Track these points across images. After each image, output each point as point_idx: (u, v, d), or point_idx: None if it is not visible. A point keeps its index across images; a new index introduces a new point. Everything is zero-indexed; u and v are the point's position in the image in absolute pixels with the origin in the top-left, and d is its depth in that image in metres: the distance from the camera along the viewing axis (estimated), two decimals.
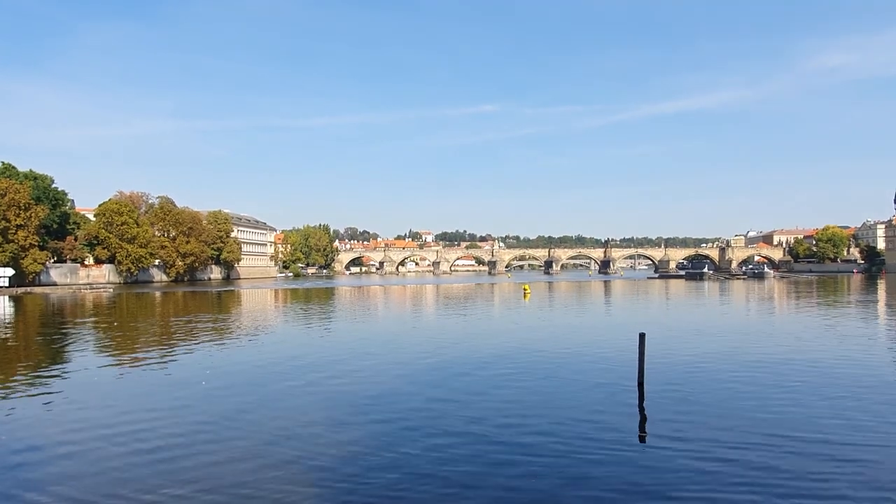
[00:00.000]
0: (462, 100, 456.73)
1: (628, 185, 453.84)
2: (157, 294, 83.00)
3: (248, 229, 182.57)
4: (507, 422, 14.55)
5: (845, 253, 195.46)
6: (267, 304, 64.96)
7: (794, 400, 16.45)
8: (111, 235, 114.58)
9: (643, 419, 15.05)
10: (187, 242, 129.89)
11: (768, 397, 16.88)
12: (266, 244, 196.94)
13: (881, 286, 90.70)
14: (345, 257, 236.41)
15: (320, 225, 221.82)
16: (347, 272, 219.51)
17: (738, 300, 64.01)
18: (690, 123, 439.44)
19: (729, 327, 36.80)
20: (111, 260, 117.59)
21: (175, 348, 28.03)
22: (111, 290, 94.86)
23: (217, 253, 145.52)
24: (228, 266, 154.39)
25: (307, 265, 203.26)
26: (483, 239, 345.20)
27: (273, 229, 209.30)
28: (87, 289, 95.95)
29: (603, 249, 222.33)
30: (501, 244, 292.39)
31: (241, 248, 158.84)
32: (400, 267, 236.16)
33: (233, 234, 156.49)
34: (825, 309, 50.19)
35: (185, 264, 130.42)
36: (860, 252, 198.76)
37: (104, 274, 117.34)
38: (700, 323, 40.22)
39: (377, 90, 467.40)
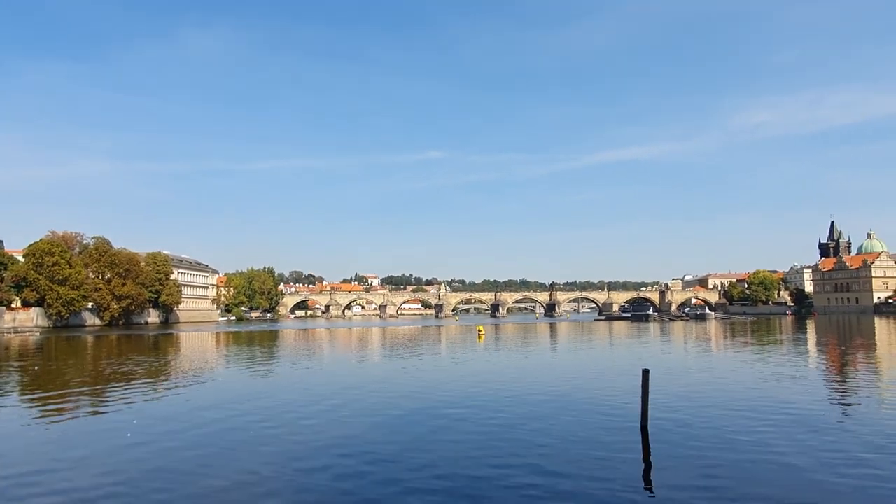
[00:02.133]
0: (408, 146, 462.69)
1: (571, 231, 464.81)
2: (89, 338, 79.14)
3: (189, 271, 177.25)
4: (490, 473, 13.47)
5: (776, 296, 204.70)
6: (206, 348, 62.88)
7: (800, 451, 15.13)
8: (41, 277, 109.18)
9: (648, 467, 14.15)
10: (123, 285, 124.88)
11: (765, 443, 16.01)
12: (208, 287, 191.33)
13: (811, 326, 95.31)
14: (290, 300, 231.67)
15: (265, 268, 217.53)
16: (292, 316, 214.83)
17: (690, 340, 65.74)
18: (629, 173, 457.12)
19: (703, 367, 37.74)
20: (40, 303, 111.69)
21: (101, 396, 26.70)
22: (38, 333, 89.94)
23: (155, 296, 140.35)
24: (167, 309, 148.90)
25: (251, 308, 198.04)
26: (429, 283, 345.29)
27: (215, 272, 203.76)
28: (11, 333, 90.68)
29: (548, 293, 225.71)
30: (448, 288, 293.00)
31: (181, 290, 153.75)
32: (346, 310, 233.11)
33: (173, 277, 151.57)
34: (778, 348, 52.25)
35: (120, 307, 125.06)
36: (790, 295, 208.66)
37: (32, 318, 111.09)
38: (675, 362, 41.11)
39: (323, 135, 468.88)
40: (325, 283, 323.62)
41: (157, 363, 42.87)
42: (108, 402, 24.59)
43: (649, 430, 17.24)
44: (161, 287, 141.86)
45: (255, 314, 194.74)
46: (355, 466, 13.99)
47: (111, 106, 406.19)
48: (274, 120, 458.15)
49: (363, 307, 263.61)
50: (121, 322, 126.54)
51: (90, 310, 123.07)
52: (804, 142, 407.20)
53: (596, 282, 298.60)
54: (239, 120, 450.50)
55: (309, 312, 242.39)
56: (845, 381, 29.68)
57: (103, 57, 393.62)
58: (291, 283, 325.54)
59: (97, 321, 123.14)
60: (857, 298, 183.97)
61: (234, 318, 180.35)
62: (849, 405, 22.29)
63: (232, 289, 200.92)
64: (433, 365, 40.56)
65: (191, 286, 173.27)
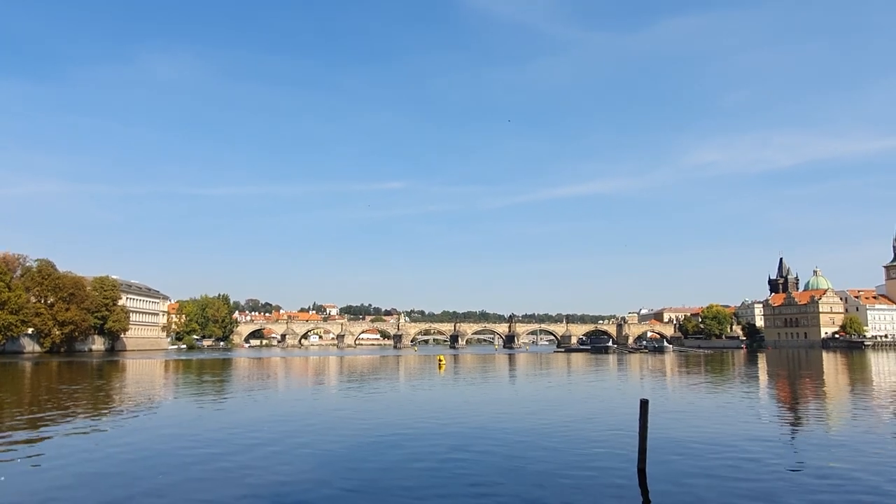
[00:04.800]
0: (369, 176, 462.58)
1: (530, 263, 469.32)
2: (27, 365, 74.87)
3: (139, 297, 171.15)
4: None
5: (729, 329, 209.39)
6: (147, 377, 60.00)
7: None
8: None
9: None
10: (67, 310, 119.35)
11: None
12: (158, 314, 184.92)
13: (763, 359, 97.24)
14: (244, 329, 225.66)
15: (220, 295, 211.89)
16: (247, 345, 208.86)
17: (653, 373, 65.83)
18: (587, 207, 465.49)
19: (676, 401, 37.38)
20: None
21: (31, 430, 24.73)
22: None
23: (101, 322, 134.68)
24: (114, 336, 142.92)
25: (203, 337, 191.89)
26: (388, 313, 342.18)
27: (167, 298, 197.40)
28: None
29: (507, 325, 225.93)
30: (407, 318, 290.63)
31: (129, 317, 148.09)
32: (303, 340, 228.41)
33: (121, 302, 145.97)
34: (741, 381, 52.65)
35: (62, 333, 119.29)
36: (742, 329, 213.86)
37: None
38: (646, 395, 40.81)
39: (284, 163, 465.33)
40: (282, 311, 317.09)
41: (94, 392, 40.40)
42: (33, 437, 22.64)
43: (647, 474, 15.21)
44: (108, 313, 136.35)
45: (207, 343, 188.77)
46: None
47: (68, 128, 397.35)
48: (234, 146, 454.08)
49: (320, 336, 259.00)
50: (62, 349, 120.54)
51: (30, 336, 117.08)
52: (752, 180, 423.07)
53: (554, 314, 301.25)
54: (199, 145, 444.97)
55: (264, 341, 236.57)
56: (829, 418, 29.71)
57: (62, 79, 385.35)
58: (247, 312, 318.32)
59: (37, 347, 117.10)
60: (805, 333, 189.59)
61: (184, 346, 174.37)
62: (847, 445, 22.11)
63: (184, 316, 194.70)
64: (391, 396, 39.29)
65: (140, 312, 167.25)
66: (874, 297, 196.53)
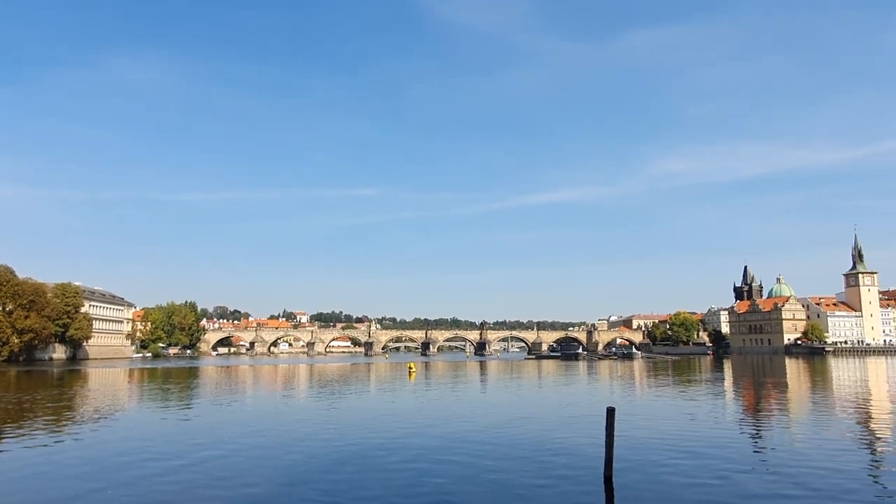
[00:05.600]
0: (342, 183, 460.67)
1: (502, 271, 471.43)
2: None
3: (103, 304, 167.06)
4: None
5: (696, 336, 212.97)
6: (112, 386, 58.56)
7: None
8: None
9: None
10: (26, 317, 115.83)
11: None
12: (122, 321, 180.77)
13: (728, 366, 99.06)
14: (212, 337, 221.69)
15: (187, 302, 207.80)
16: (214, 353, 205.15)
17: (622, 380, 66.40)
18: (558, 215, 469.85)
19: (644, 406, 37.68)
20: None
21: None
22: None
23: (63, 330, 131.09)
24: (76, 345, 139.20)
25: (169, 345, 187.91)
26: (360, 320, 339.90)
27: (132, 305, 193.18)
28: None
29: (478, 332, 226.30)
30: (378, 325, 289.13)
31: (91, 324, 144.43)
32: (272, 347, 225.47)
33: (83, 310, 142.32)
34: (710, 388, 53.42)
35: (21, 342, 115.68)
36: (708, 335, 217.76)
37: None
38: (615, 402, 41.05)
39: (255, 169, 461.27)
40: (251, 319, 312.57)
41: (53, 403, 39.23)
42: None
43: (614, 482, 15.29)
44: (69, 321, 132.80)
45: (173, 351, 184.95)
46: None
47: (33, 132, 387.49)
48: (205, 152, 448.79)
49: (290, 344, 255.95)
50: (21, 358, 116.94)
51: None
52: (718, 190, 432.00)
53: (525, 321, 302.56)
54: (168, 151, 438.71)
55: (232, 349, 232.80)
56: (791, 423, 30.29)
57: (28, 82, 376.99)
58: (215, 319, 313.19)
59: None
60: (769, 339, 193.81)
61: (149, 354, 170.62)
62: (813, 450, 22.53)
63: (149, 324, 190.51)
64: (361, 404, 38.97)
65: (103, 320, 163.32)
66: (834, 304, 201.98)
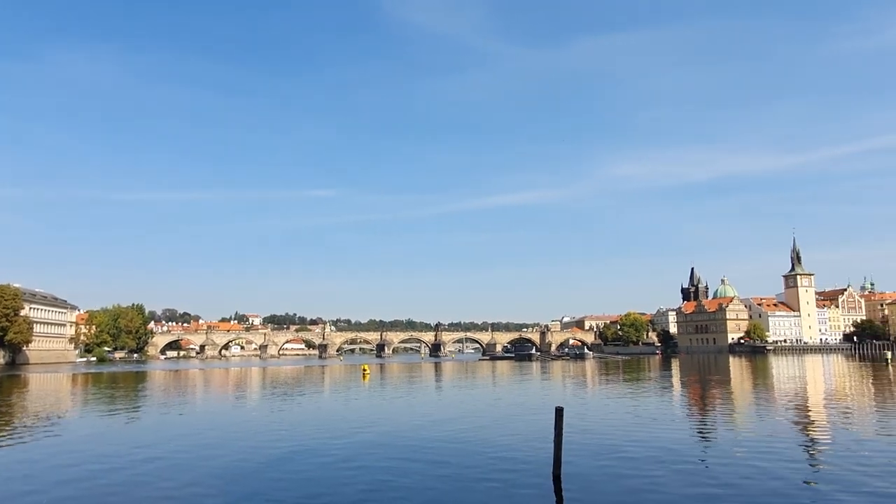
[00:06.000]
0: (296, 183, 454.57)
1: (457, 272, 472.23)
2: None
3: (44, 307, 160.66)
4: None
5: (645, 336, 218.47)
6: (53, 392, 56.63)
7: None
8: None
9: None
10: None
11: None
12: (65, 324, 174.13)
13: (676, 364, 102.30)
14: (161, 340, 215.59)
15: (134, 305, 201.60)
16: (163, 356, 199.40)
17: (574, 379, 67.69)
18: (512, 217, 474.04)
19: (594, 405, 38.53)
20: None
21: None
22: None
23: (1, 334, 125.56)
24: (15, 349, 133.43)
25: (115, 349, 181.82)
26: (314, 322, 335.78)
27: (75, 308, 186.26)
28: None
29: (434, 333, 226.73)
30: (333, 327, 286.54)
31: (32, 328, 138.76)
32: (224, 351, 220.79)
33: (23, 312, 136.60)
34: (658, 386, 55.07)
35: None
36: (657, 335, 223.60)
37: None
38: (564, 401, 41.83)
39: (205, 169, 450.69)
40: (201, 321, 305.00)
41: None
42: None
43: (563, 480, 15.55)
44: (8, 324, 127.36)
45: (119, 355, 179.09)
46: None
47: None
48: (153, 151, 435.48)
49: (242, 347, 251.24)
50: None
51: None
52: (667, 193, 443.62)
53: (480, 323, 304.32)
54: (115, 149, 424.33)
55: (182, 353, 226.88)
56: (730, 419, 31.62)
57: None
58: (164, 322, 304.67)
59: None
60: (714, 339, 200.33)
61: (94, 358, 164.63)
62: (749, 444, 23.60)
63: (94, 327, 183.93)
64: (314, 407, 38.84)
65: (45, 323, 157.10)
66: (775, 305, 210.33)
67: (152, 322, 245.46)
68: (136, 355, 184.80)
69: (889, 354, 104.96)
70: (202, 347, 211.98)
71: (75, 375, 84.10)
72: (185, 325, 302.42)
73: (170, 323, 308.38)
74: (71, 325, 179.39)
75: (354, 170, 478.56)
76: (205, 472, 17.45)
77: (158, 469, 17.89)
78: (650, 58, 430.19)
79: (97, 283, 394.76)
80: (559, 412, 16.33)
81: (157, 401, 44.56)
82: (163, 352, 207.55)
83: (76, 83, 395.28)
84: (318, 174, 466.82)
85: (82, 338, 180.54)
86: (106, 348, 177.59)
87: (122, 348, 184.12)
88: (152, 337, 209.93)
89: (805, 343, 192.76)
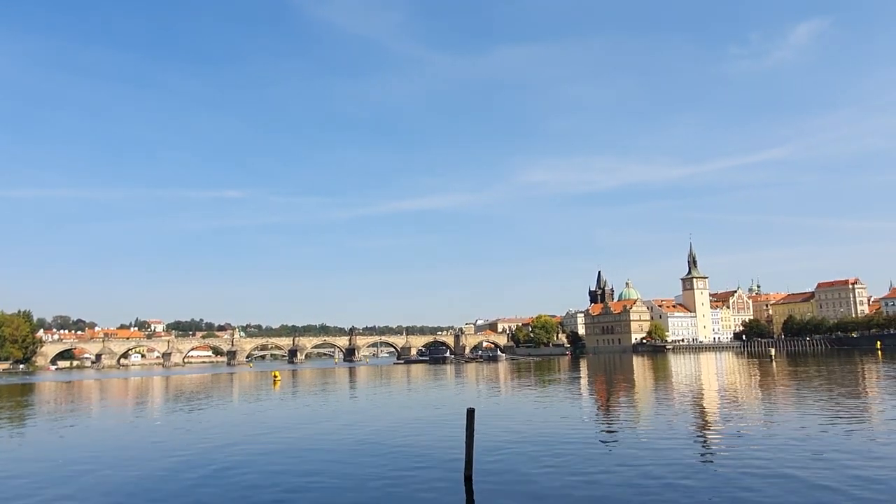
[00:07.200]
0: (204, 183, 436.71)
1: (371, 276, 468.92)
2: None
3: None
4: None
5: (556, 338, 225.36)
6: None
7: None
8: None
9: None
10: None
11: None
12: None
13: (584, 364, 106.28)
14: (51, 349, 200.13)
15: (20, 311, 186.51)
16: (53, 367, 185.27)
17: (487, 381, 68.62)
18: (426, 221, 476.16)
19: (505, 406, 39.00)
20: None
21: None
22: None
23: None
24: None
25: None
26: (222, 328, 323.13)
27: None
28: None
29: (348, 338, 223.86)
30: (242, 333, 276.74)
31: None
32: (123, 359, 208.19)
33: None
34: (567, 386, 56.59)
35: None
36: (566, 337, 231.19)
37: None
38: (475, 402, 42.09)
39: (104, 164, 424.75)
40: (97, 329, 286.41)
41: None
42: None
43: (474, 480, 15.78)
44: None
45: (3, 366, 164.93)
46: None
47: None
48: (47, 144, 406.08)
49: (143, 356, 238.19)
50: None
51: None
52: (576, 200, 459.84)
53: (395, 326, 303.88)
54: (3, 141, 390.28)
55: (75, 363, 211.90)
56: (640, 415, 33.03)
57: None
58: (55, 330, 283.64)
59: None
60: (619, 339, 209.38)
61: None
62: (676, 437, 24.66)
63: None
64: (221, 416, 37.33)
65: None
66: (674, 306, 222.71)
67: (41, 330, 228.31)
68: (22, 366, 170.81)
69: (773, 351, 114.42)
70: (98, 357, 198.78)
71: None
72: (79, 332, 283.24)
73: (62, 331, 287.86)
74: None
75: (266, 170, 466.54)
76: (102, 496, 16.40)
77: (48, 487, 16.65)
78: (562, 69, 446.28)
79: None
80: (470, 413, 16.55)
81: (46, 415, 41.42)
82: (53, 362, 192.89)
83: None
84: (227, 174, 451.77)
85: None
86: None
87: (7, 359, 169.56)
88: (41, 346, 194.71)
89: (700, 342, 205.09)
